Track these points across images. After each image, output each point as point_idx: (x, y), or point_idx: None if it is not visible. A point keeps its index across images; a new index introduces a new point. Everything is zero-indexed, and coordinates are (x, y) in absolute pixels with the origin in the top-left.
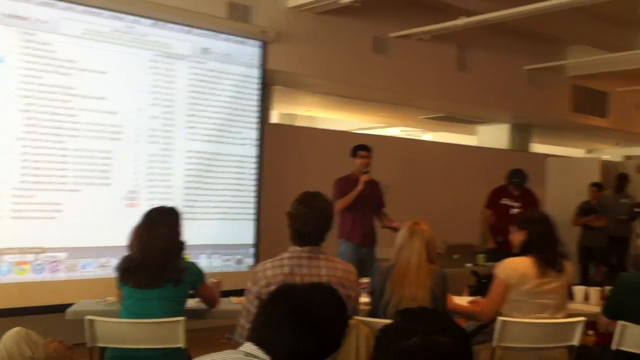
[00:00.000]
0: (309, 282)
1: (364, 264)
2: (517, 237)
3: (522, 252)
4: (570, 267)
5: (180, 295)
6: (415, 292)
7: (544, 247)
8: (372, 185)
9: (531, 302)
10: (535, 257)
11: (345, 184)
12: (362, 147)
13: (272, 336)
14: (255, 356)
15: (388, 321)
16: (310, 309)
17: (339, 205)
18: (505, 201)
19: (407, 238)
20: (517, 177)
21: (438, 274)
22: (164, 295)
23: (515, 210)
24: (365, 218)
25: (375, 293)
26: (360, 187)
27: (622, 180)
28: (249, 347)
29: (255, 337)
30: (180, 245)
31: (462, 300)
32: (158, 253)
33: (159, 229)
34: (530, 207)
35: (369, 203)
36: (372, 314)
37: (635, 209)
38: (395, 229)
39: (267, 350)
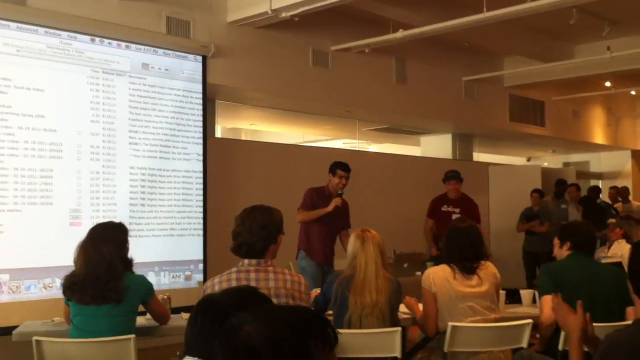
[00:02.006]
0: (229, 288)
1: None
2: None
3: (442, 260)
4: (492, 269)
5: (130, 310)
6: (376, 298)
7: (459, 254)
8: (342, 206)
9: (459, 307)
10: (451, 264)
11: (317, 196)
12: (343, 167)
13: (203, 346)
14: None
15: (348, 331)
16: (229, 312)
17: (302, 216)
18: (446, 208)
19: (360, 245)
20: (451, 172)
21: (395, 282)
22: (113, 312)
23: (456, 216)
24: (330, 236)
25: (331, 301)
26: (329, 208)
27: (560, 186)
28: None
29: (190, 350)
30: (126, 262)
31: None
32: (102, 270)
33: (104, 245)
34: (469, 210)
35: (335, 223)
36: None
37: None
38: None
39: (200, 357)
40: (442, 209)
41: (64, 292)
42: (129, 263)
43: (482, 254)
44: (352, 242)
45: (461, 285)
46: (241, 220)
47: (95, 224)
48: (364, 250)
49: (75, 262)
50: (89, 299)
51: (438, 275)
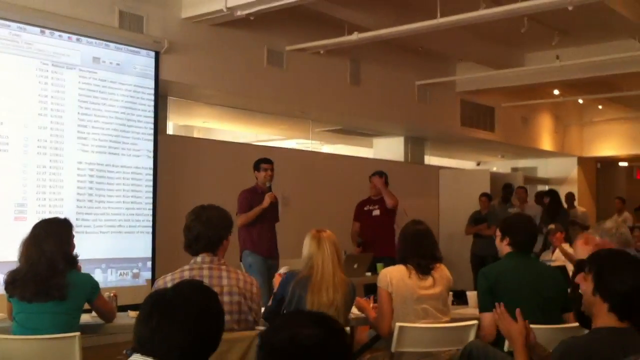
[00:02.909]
0: (178, 283)
1: (272, 274)
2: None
3: (397, 260)
4: (446, 272)
5: (74, 309)
6: (333, 297)
7: (415, 255)
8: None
9: (413, 309)
10: (407, 264)
11: (252, 196)
12: (264, 160)
13: (156, 342)
14: None
15: None
16: (174, 306)
17: (243, 219)
18: (367, 207)
19: (316, 245)
20: (375, 172)
21: (350, 285)
22: (56, 309)
23: (376, 212)
24: (270, 230)
25: (283, 300)
26: (264, 205)
27: (507, 190)
28: (138, 358)
29: (141, 347)
30: (69, 259)
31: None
32: (43, 267)
33: (45, 242)
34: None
35: (271, 215)
36: (267, 317)
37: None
38: None
39: (157, 357)
40: (365, 208)
41: (6, 289)
42: (72, 260)
43: (438, 256)
44: (308, 243)
45: (416, 286)
46: (195, 215)
47: (38, 220)
48: (320, 249)
49: (19, 258)
50: (31, 295)
51: (394, 276)
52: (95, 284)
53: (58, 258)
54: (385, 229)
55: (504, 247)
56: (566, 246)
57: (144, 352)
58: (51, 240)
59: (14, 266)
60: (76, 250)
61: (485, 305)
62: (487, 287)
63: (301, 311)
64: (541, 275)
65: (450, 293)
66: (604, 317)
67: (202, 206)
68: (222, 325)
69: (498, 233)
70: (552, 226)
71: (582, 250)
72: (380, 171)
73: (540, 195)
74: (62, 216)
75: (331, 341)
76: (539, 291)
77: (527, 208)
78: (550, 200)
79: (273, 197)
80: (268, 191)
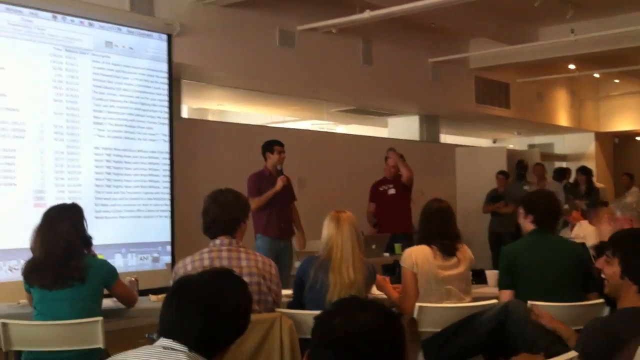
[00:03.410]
0: (205, 270)
1: (281, 256)
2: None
3: (420, 241)
4: (469, 252)
5: (93, 294)
6: (354, 277)
7: (439, 235)
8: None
9: (437, 290)
10: (431, 245)
11: (260, 180)
12: (277, 142)
13: (176, 325)
14: (172, 348)
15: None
16: (200, 293)
17: (254, 204)
18: (383, 187)
19: (335, 227)
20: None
21: (369, 266)
22: (74, 296)
23: (392, 191)
24: (281, 212)
25: (305, 285)
26: (277, 188)
27: (520, 168)
28: (164, 341)
29: (164, 330)
30: (85, 241)
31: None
32: (61, 251)
33: (60, 226)
34: (402, 184)
35: (284, 197)
36: (292, 305)
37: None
38: None
39: (178, 340)
40: (380, 189)
41: (26, 279)
42: (88, 241)
43: (460, 235)
44: (327, 225)
45: (441, 267)
46: (212, 199)
47: (48, 208)
48: (339, 230)
49: (33, 247)
50: (51, 281)
51: (419, 256)
52: (112, 269)
53: (75, 239)
54: (401, 207)
55: (527, 224)
56: (585, 223)
57: (165, 335)
58: (65, 222)
59: None
60: (96, 235)
61: (503, 283)
62: (505, 264)
63: (355, 297)
64: (561, 251)
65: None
66: (632, 298)
67: (219, 190)
68: (247, 313)
69: (521, 210)
70: (566, 206)
71: (606, 231)
72: (392, 148)
73: (559, 172)
74: (81, 202)
75: (387, 326)
76: (558, 268)
77: (547, 185)
78: (587, 179)
79: (285, 180)
80: (279, 174)
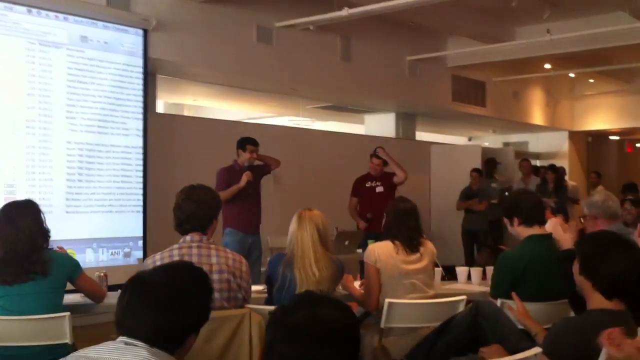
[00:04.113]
0: (160, 265)
1: (251, 251)
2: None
3: (383, 236)
4: (431, 246)
5: (56, 287)
6: (319, 274)
7: (401, 230)
8: (255, 170)
9: (401, 284)
10: (394, 240)
11: (229, 174)
12: (251, 141)
13: (129, 321)
14: (134, 344)
15: None
16: (151, 287)
17: (221, 197)
18: (369, 184)
19: (297, 224)
20: (375, 150)
21: (338, 264)
22: (38, 289)
23: (380, 189)
24: (250, 205)
25: (274, 282)
26: (241, 184)
27: (489, 165)
28: (124, 337)
29: (119, 327)
30: (44, 235)
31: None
32: (23, 246)
33: (21, 221)
34: (391, 183)
35: (253, 192)
36: (268, 302)
37: (506, 193)
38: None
39: (133, 336)
40: (366, 185)
41: None
42: (47, 235)
43: (422, 231)
44: (292, 222)
45: (404, 262)
46: (185, 195)
47: (3, 205)
48: (300, 227)
49: None
50: (12, 277)
51: (383, 251)
52: (75, 262)
53: (36, 233)
54: (387, 205)
55: (519, 229)
56: (555, 220)
57: (121, 332)
58: (25, 216)
59: None
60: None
61: (499, 292)
62: (507, 276)
63: (310, 292)
64: (556, 251)
65: (440, 268)
66: (594, 297)
67: (192, 186)
68: (204, 305)
69: (505, 220)
70: None
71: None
72: (381, 147)
73: (543, 169)
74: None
75: (346, 321)
76: (553, 271)
77: (531, 181)
78: (556, 177)
79: (250, 176)
80: (246, 170)
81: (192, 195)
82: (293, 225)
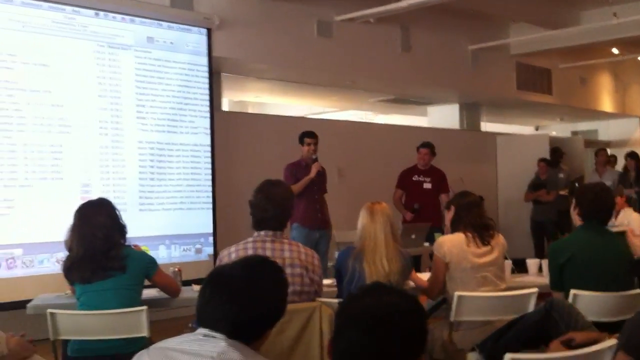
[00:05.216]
0: (238, 259)
1: (317, 247)
2: (448, 217)
3: (453, 229)
4: (502, 239)
5: (134, 283)
6: (389, 268)
7: (472, 223)
8: (322, 170)
9: (473, 277)
10: (465, 233)
11: (296, 169)
12: (307, 134)
13: (210, 314)
14: (212, 336)
15: None
16: (231, 280)
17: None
18: (417, 178)
19: (369, 218)
20: (425, 142)
21: (406, 257)
22: (117, 285)
23: (427, 185)
24: (317, 201)
25: (344, 275)
26: (312, 175)
27: (555, 154)
28: (204, 329)
29: (200, 320)
30: (121, 231)
31: (423, 277)
32: (100, 243)
33: (96, 218)
34: (439, 180)
35: (319, 187)
36: (339, 295)
37: (576, 185)
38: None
39: (213, 329)
40: (413, 178)
41: (66, 277)
42: (124, 230)
43: (493, 224)
44: (361, 216)
45: (474, 254)
46: (264, 195)
47: (78, 206)
48: (373, 221)
49: (69, 245)
50: (90, 275)
51: (454, 245)
52: (152, 259)
53: (113, 230)
54: (435, 201)
55: (575, 216)
56: (629, 210)
57: (202, 324)
58: (101, 216)
59: None
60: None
61: (554, 283)
62: (557, 266)
63: (378, 283)
64: (609, 243)
65: (510, 261)
66: None
67: (268, 182)
68: (282, 298)
69: (574, 201)
70: None
71: None
72: (429, 143)
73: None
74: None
75: (411, 309)
76: (609, 264)
77: (607, 173)
78: (637, 164)
79: (319, 167)
80: (313, 162)
81: (270, 195)
82: (364, 219)
